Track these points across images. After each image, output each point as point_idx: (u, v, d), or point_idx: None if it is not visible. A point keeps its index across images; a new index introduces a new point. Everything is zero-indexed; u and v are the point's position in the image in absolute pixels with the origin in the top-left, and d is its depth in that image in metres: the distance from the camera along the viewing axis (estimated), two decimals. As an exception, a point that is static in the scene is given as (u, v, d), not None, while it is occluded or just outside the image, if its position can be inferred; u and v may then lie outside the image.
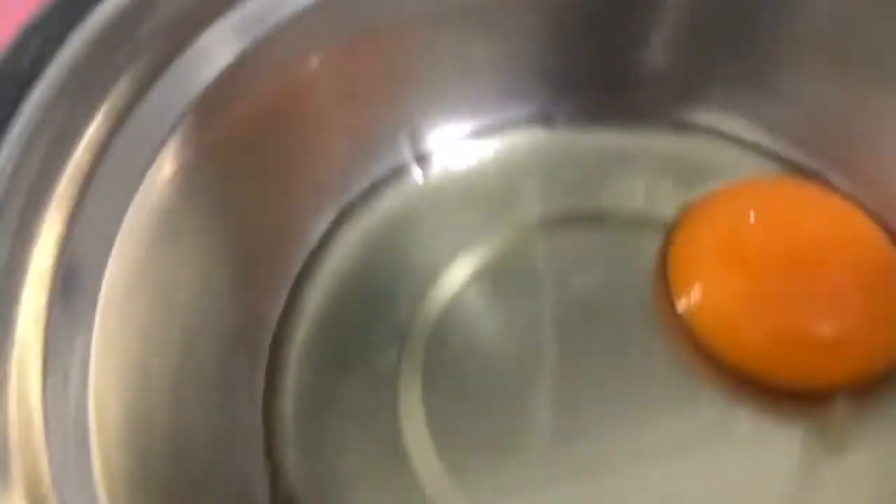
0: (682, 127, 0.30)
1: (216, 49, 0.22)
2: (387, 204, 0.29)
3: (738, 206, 0.27)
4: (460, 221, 0.28)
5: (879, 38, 0.26)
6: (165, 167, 0.22)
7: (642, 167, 0.29)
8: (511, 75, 0.29)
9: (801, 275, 0.25)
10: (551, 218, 0.28)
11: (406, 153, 0.29)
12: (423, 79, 0.28)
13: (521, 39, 0.28)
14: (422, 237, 0.28)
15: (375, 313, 0.27)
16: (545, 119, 0.30)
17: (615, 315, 0.27)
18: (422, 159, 0.29)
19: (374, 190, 0.29)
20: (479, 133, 0.30)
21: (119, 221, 0.21)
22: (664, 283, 0.27)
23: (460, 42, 0.27)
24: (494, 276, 0.28)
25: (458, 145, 0.30)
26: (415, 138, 0.29)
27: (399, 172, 0.29)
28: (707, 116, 0.30)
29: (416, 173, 0.29)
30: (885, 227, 0.27)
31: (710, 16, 0.28)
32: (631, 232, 0.28)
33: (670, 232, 0.28)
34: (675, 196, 0.29)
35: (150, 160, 0.21)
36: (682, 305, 0.26)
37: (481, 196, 0.29)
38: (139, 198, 0.21)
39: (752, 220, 0.27)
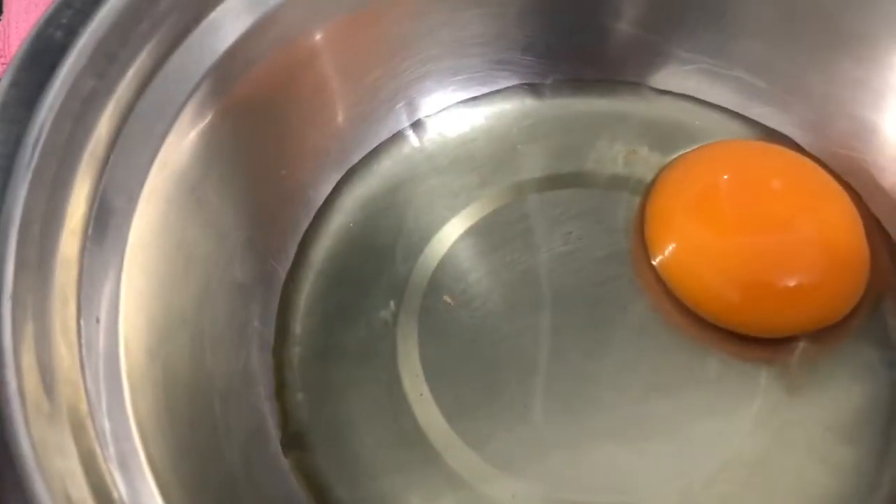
0: (659, 93, 0.32)
1: (228, 22, 0.24)
2: (386, 168, 0.31)
3: (709, 167, 0.29)
4: (454, 183, 0.30)
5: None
6: (184, 131, 0.24)
7: (623, 132, 0.31)
8: (500, 48, 0.31)
9: (767, 230, 0.28)
10: (538, 180, 0.31)
11: (403, 120, 0.31)
12: (419, 51, 0.30)
13: (509, 15, 0.30)
14: (419, 198, 0.30)
15: (376, 268, 0.29)
16: (532, 88, 0.32)
17: (596, 268, 0.29)
18: (418, 126, 0.31)
19: (374, 155, 0.31)
20: (471, 102, 0.32)
21: (143, 180, 0.23)
22: (641, 238, 0.29)
23: (453, 17, 0.29)
24: (485, 234, 0.30)
25: (451, 113, 0.32)
26: (411, 107, 0.31)
27: (397, 138, 0.31)
28: (680, 82, 0.31)
29: (413, 139, 0.31)
30: (847, 185, 0.29)
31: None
32: (611, 192, 0.30)
33: (647, 191, 0.30)
34: (652, 159, 0.31)
35: (170, 124, 0.23)
36: (656, 258, 0.29)
37: (473, 160, 0.31)
38: (160, 158, 0.23)
39: (722, 179, 0.29)
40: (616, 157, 0.31)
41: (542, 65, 0.31)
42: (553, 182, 0.31)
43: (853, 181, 0.29)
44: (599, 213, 0.30)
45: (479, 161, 0.31)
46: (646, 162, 0.31)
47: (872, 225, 0.29)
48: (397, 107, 0.31)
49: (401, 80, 0.30)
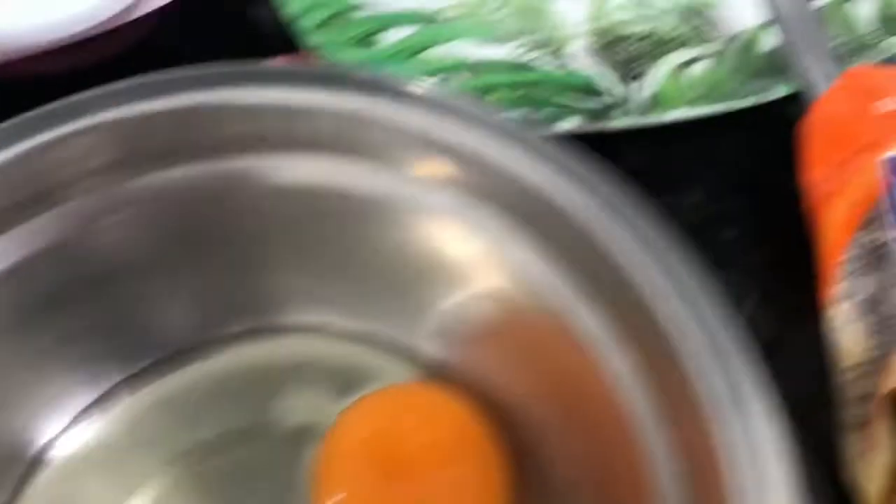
0: (337, 337, 0.33)
1: None
2: (55, 468, 0.31)
3: (366, 416, 0.30)
4: (131, 463, 0.31)
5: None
6: None
7: (304, 380, 0.32)
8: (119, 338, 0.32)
9: (409, 477, 0.28)
10: (218, 441, 0.31)
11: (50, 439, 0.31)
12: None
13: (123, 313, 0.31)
14: (94, 485, 0.31)
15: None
16: (188, 353, 0.32)
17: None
18: (77, 428, 0.31)
19: (33, 468, 0.31)
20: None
21: None
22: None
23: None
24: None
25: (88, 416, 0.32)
26: (50, 428, 0.31)
27: (50, 446, 0.31)
28: (354, 326, 0.33)
29: (75, 442, 0.31)
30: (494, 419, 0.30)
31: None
32: (296, 444, 0.31)
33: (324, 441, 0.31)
34: (334, 405, 0.31)
35: None
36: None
37: (149, 436, 0.31)
38: None
39: (371, 428, 0.30)
40: (300, 406, 0.32)
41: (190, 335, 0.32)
42: (236, 440, 0.31)
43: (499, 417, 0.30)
44: (282, 467, 0.30)
45: (154, 434, 0.31)
46: (327, 409, 0.31)
47: (515, 462, 0.29)
48: (30, 434, 0.31)
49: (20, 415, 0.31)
